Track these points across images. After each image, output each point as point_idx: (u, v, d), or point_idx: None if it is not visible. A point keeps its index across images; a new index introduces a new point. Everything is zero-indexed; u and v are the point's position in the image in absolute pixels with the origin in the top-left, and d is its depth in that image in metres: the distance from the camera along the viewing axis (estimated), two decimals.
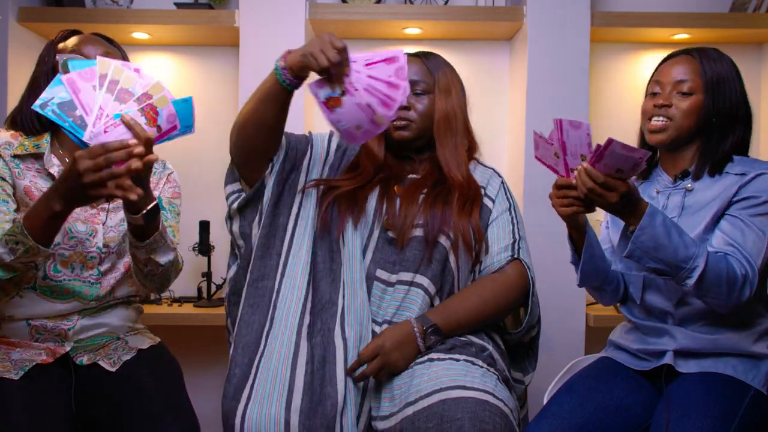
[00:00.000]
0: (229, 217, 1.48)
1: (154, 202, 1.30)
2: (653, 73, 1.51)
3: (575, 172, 1.25)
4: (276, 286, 1.37)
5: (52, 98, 1.12)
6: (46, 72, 1.41)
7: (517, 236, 1.49)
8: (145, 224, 1.30)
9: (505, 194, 1.54)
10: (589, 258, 1.42)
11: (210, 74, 2.38)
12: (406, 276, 1.38)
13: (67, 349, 1.39)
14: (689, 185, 1.43)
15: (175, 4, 2.25)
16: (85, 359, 1.40)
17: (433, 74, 1.50)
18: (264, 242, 1.41)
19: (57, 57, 1.40)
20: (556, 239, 2.09)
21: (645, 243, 1.24)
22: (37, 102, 1.11)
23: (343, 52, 1.20)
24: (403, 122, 1.47)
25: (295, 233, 1.41)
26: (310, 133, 1.56)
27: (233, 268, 1.49)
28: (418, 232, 1.40)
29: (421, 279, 1.38)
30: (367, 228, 1.42)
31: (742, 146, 1.45)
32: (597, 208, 1.30)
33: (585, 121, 1.21)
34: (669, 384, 1.39)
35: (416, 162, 1.53)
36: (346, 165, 1.51)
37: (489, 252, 1.46)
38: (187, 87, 2.37)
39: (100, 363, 1.40)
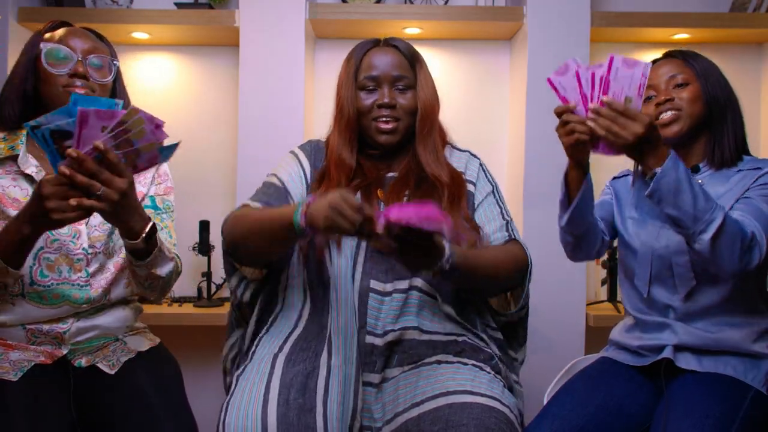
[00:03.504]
0: (238, 305, 1.46)
1: (151, 224, 1.28)
2: None
3: (590, 107, 1.24)
4: (272, 320, 1.39)
5: (49, 123, 1.10)
6: (27, 61, 1.38)
7: (507, 218, 1.46)
8: (145, 246, 1.29)
9: (486, 177, 1.50)
10: (581, 201, 1.37)
11: (210, 74, 2.38)
12: (402, 284, 1.33)
13: (65, 352, 1.37)
14: (700, 180, 1.43)
15: (175, 4, 2.25)
16: (83, 361, 1.39)
17: (413, 67, 1.44)
18: (264, 308, 1.42)
19: (41, 45, 1.36)
20: (556, 240, 2.09)
21: (668, 185, 1.21)
22: (32, 122, 1.10)
23: (361, 210, 1.11)
24: (391, 125, 1.39)
25: (295, 283, 1.40)
26: (282, 183, 1.44)
27: (238, 334, 1.47)
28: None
29: (417, 281, 1.34)
30: (354, 240, 1.35)
31: (743, 141, 1.46)
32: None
33: (643, 61, 1.20)
34: (669, 382, 1.39)
35: (393, 160, 1.46)
36: (318, 172, 1.45)
37: (481, 234, 1.40)
38: (187, 87, 2.37)
39: (99, 365, 1.39)
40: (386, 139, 1.41)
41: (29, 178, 1.36)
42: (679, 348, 1.39)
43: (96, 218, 1.41)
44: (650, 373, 1.44)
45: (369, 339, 1.31)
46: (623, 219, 1.53)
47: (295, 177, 1.45)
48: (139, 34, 2.25)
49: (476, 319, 1.42)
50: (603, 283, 2.19)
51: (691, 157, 1.47)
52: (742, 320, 1.38)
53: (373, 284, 1.33)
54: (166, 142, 1.19)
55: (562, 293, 2.09)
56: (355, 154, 1.43)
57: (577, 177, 1.38)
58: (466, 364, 1.30)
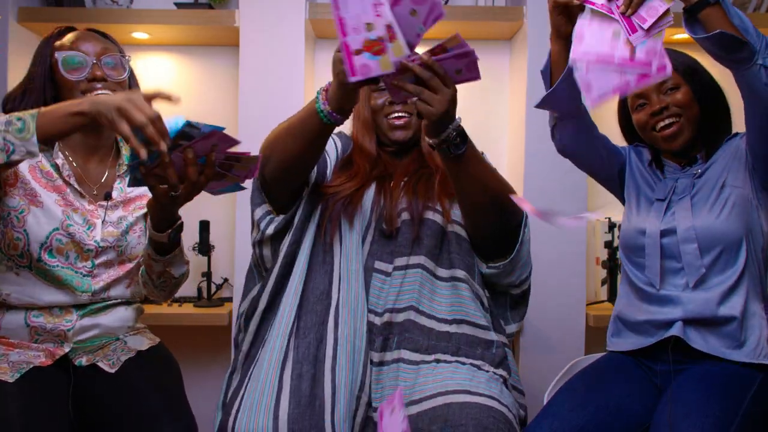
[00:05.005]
0: (260, 242, 1.43)
1: (180, 221, 1.35)
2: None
3: None
4: (284, 299, 1.38)
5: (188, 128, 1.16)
6: (43, 72, 1.41)
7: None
8: (169, 242, 1.34)
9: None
10: (567, 81, 1.32)
11: (210, 74, 2.38)
12: (401, 261, 1.37)
13: (67, 350, 1.39)
14: (698, 170, 1.47)
15: (175, 4, 2.25)
16: (83, 360, 1.40)
17: None
18: (288, 261, 1.39)
19: (56, 54, 1.40)
20: (556, 240, 2.09)
21: None
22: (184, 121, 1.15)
23: None
24: (404, 120, 1.46)
25: (304, 243, 1.40)
26: None
27: (257, 288, 1.44)
28: (405, 215, 1.40)
29: (416, 258, 1.37)
30: (365, 221, 1.41)
31: (731, 125, 1.51)
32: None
33: None
34: (676, 364, 1.39)
35: (407, 158, 1.52)
36: (342, 159, 1.51)
37: None
38: (187, 87, 2.37)
39: (99, 364, 1.40)
40: (400, 134, 1.47)
41: (56, 167, 1.41)
42: (687, 322, 1.39)
43: (112, 216, 1.44)
44: (653, 360, 1.44)
45: (370, 317, 1.33)
46: (630, 194, 1.55)
47: (330, 144, 1.52)
48: (139, 34, 2.25)
49: (475, 269, 1.43)
50: (603, 283, 2.20)
51: (688, 153, 1.49)
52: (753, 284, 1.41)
53: (378, 264, 1.37)
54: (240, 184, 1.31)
55: (562, 293, 2.09)
56: (374, 144, 1.50)
57: (557, 51, 1.34)
58: (464, 363, 1.30)
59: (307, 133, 1.29)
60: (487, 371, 1.31)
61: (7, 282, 1.37)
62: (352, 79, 1.12)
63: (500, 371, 1.34)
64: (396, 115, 1.46)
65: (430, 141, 1.26)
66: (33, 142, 1.14)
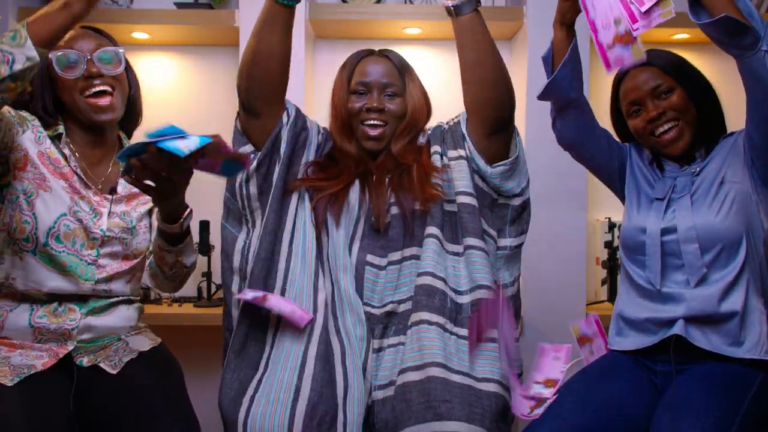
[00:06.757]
0: (246, 180, 1.43)
1: (189, 210, 1.38)
2: (618, 98, 1.54)
3: None
4: (285, 269, 1.39)
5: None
6: (40, 72, 1.40)
7: None
8: (182, 231, 1.38)
9: (440, 129, 1.53)
10: (567, 67, 1.37)
11: (210, 74, 2.38)
12: (395, 255, 1.40)
13: (70, 348, 1.39)
14: (696, 168, 1.47)
15: (175, 4, 2.25)
16: (85, 361, 1.40)
17: (402, 76, 1.51)
18: (275, 217, 1.40)
19: (50, 55, 1.39)
20: (556, 240, 2.10)
21: None
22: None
23: None
24: (378, 131, 1.46)
25: (295, 228, 1.42)
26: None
27: (242, 237, 1.45)
28: (394, 210, 1.43)
29: (410, 251, 1.40)
30: (353, 217, 1.44)
31: (724, 121, 1.51)
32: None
33: None
34: (669, 381, 1.39)
35: (381, 157, 1.53)
36: (323, 155, 1.52)
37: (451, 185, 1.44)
38: (187, 87, 2.37)
39: (101, 365, 1.40)
40: (372, 145, 1.49)
41: (63, 156, 1.42)
42: (688, 320, 1.39)
43: (116, 209, 1.45)
44: (653, 360, 1.44)
45: (366, 309, 1.37)
46: (631, 191, 1.55)
47: (311, 123, 1.53)
48: (139, 34, 2.25)
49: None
50: (603, 283, 2.20)
51: (689, 153, 1.49)
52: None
53: (370, 258, 1.40)
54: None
55: (562, 293, 2.09)
56: (354, 144, 1.51)
57: (560, 38, 1.37)
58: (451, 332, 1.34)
59: (266, 23, 1.33)
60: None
61: (13, 266, 1.38)
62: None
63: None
64: (371, 123, 1.46)
65: (453, 3, 1.30)
66: (29, 45, 1.18)
